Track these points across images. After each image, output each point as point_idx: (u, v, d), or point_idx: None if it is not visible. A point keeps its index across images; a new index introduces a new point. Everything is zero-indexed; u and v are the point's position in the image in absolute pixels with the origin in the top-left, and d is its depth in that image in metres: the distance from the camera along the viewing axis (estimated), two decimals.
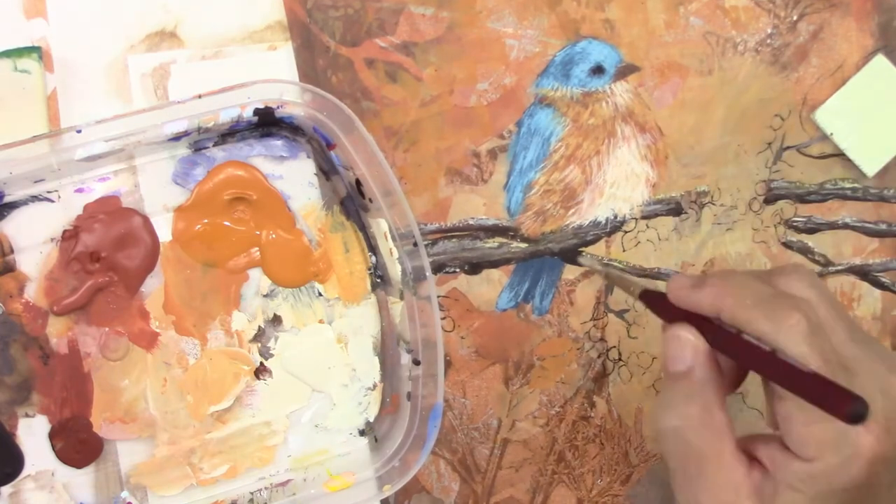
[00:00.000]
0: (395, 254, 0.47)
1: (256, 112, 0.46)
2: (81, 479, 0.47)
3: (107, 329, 0.47)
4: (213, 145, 0.48)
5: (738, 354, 0.40)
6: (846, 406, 0.34)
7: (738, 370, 0.42)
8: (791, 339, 0.37)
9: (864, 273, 0.56)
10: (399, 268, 0.47)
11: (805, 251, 0.55)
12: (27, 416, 0.46)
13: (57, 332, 0.46)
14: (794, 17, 0.54)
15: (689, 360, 0.40)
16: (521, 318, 0.52)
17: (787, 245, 0.55)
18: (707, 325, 0.41)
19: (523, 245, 0.52)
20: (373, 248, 0.49)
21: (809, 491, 0.38)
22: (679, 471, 0.41)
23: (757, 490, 0.39)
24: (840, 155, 0.55)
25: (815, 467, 0.38)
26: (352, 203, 0.49)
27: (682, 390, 0.41)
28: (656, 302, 0.44)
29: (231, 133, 0.48)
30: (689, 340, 0.41)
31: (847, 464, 0.37)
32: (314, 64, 0.49)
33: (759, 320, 0.38)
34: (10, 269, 0.46)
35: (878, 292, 0.56)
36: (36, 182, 0.46)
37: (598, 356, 0.53)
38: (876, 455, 0.37)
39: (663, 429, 0.41)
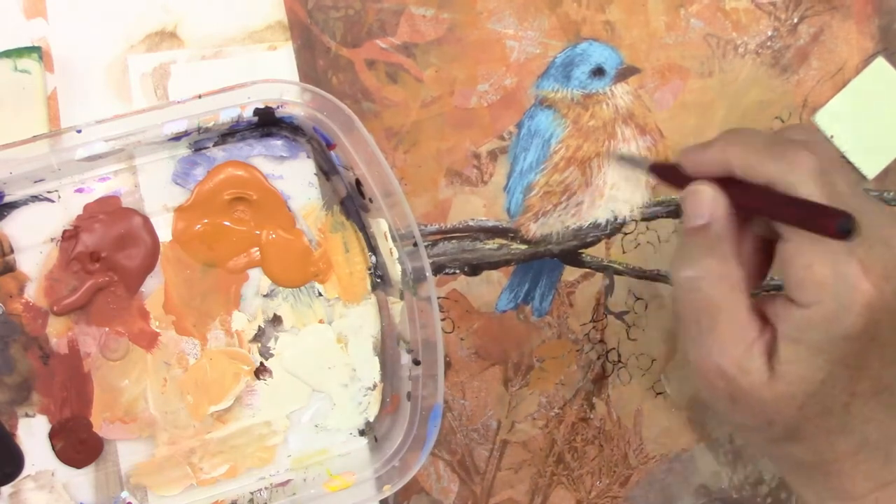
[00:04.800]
0: (395, 254, 0.47)
1: (256, 112, 0.46)
2: (81, 479, 0.47)
3: (107, 329, 0.47)
4: (213, 145, 0.48)
5: (746, 203, 0.40)
6: (835, 222, 0.34)
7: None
8: (800, 177, 0.37)
9: None
10: (399, 268, 0.47)
11: None
12: (27, 416, 0.46)
13: (57, 332, 0.46)
14: (795, 20, 0.54)
15: (707, 214, 0.40)
16: (521, 319, 0.52)
17: None
18: (721, 184, 0.40)
19: (523, 246, 0.52)
20: (373, 248, 0.49)
21: (809, 340, 0.37)
22: (692, 324, 0.40)
23: (768, 349, 0.39)
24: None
25: (813, 313, 0.37)
26: (352, 203, 0.49)
27: (700, 243, 0.40)
28: (668, 173, 0.44)
29: (231, 133, 0.48)
30: (707, 193, 0.40)
31: (846, 309, 0.37)
32: (315, 64, 0.49)
33: (768, 162, 0.38)
34: (10, 269, 0.46)
35: None
36: (36, 182, 0.46)
37: (598, 358, 0.53)
38: (874, 301, 0.37)
39: (679, 279, 0.40)
